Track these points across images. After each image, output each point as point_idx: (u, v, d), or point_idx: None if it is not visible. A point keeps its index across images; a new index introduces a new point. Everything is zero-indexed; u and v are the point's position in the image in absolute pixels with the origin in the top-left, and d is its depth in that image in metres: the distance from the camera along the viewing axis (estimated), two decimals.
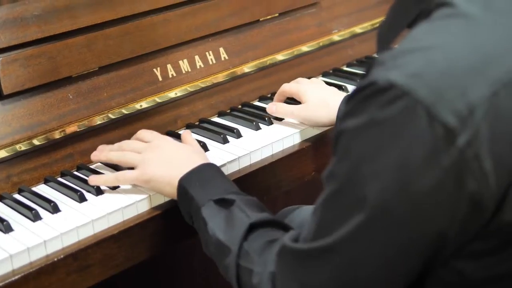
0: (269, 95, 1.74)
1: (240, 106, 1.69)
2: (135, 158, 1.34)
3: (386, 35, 0.96)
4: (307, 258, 0.92)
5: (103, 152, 1.41)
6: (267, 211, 1.19)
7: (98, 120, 1.48)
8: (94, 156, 1.42)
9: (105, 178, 1.35)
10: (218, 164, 1.34)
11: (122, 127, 1.52)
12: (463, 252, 0.85)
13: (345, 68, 1.90)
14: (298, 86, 1.58)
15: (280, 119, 1.60)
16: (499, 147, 0.79)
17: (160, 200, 1.33)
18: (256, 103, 1.72)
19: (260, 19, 1.76)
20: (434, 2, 0.87)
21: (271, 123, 1.58)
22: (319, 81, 1.65)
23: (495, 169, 0.79)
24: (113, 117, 1.50)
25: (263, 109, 1.65)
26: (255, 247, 1.09)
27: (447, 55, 0.80)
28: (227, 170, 1.42)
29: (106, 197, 1.32)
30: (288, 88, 1.59)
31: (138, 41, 1.54)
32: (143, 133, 1.43)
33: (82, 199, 1.31)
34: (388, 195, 0.81)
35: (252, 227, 1.12)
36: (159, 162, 1.31)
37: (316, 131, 1.56)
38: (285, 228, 1.14)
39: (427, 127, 0.78)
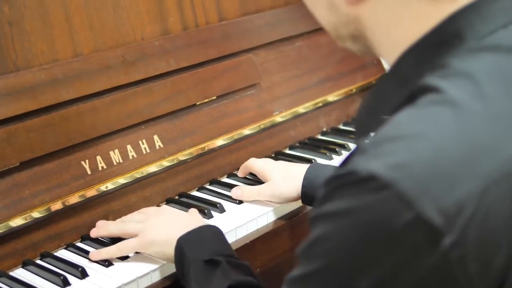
0: (207, 185, 1.63)
1: (177, 197, 1.58)
2: (136, 227, 1.36)
3: (366, 124, 0.88)
4: None
5: (103, 227, 1.40)
6: (255, 276, 1.19)
7: (20, 221, 1.34)
8: (94, 232, 1.41)
9: (107, 251, 1.34)
10: None
11: (47, 227, 1.39)
12: None
13: (287, 151, 1.81)
14: (262, 164, 1.57)
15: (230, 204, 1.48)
16: (486, 250, 0.72)
17: None
18: (195, 193, 1.60)
19: (197, 103, 1.66)
20: (418, 87, 0.79)
21: (211, 216, 1.47)
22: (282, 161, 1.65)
23: (481, 273, 0.72)
24: (37, 216, 1.36)
25: (203, 200, 1.54)
26: None
27: (433, 145, 0.72)
28: None
29: None
30: (252, 165, 1.59)
31: (63, 133, 1.41)
32: (145, 209, 1.46)
33: None
34: None
35: None
36: (160, 225, 1.34)
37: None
38: None
39: (409, 224, 0.70)
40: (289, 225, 1.50)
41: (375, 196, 0.71)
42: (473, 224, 0.70)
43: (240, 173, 1.64)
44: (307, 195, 1.45)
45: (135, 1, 1.62)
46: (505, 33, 0.80)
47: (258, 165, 1.57)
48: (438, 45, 0.80)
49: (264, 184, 1.53)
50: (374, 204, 0.71)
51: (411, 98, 0.79)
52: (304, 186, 1.45)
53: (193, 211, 1.44)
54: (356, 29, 0.86)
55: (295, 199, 1.49)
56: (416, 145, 0.73)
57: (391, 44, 0.85)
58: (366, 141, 0.78)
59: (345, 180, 0.74)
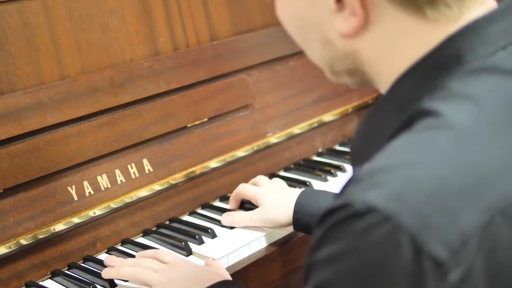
0: (199, 209, 1.58)
1: (168, 223, 1.53)
2: (151, 276, 1.24)
3: (363, 153, 0.83)
4: None
5: (114, 269, 1.30)
6: None
7: (3, 249, 1.30)
8: (105, 273, 1.30)
9: None
10: None
11: (33, 255, 1.35)
12: None
13: (281, 173, 1.76)
14: (255, 190, 1.51)
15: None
16: (497, 283, 0.68)
17: None
18: (186, 218, 1.56)
19: (188, 125, 1.62)
20: (415, 111, 0.75)
21: (202, 242, 1.43)
22: (279, 181, 1.58)
23: None
24: (23, 243, 1.32)
25: (194, 225, 1.50)
26: None
27: (433, 174, 0.68)
28: None
29: None
30: (243, 191, 1.52)
31: (48, 158, 1.37)
32: (162, 254, 1.32)
33: None
34: None
35: None
36: (176, 281, 1.23)
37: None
38: None
39: (413, 260, 0.66)
40: (282, 250, 1.45)
41: (374, 232, 0.66)
42: (480, 256, 0.67)
43: (232, 204, 1.55)
44: (298, 221, 1.40)
45: (123, 21, 1.58)
46: (504, 55, 0.76)
47: (250, 191, 1.51)
48: (436, 67, 0.77)
49: (255, 210, 1.48)
50: (374, 241, 0.67)
51: (408, 123, 0.76)
52: (295, 212, 1.40)
53: (215, 264, 1.35)
54: (353, 63, 0.83)
55: (287, 225, 1.45)
56: (415, 173, 0.69)
57: (389, 71, 0.81)
58: (361, 169, 0.73)
59: (340, 216, 0.69)
